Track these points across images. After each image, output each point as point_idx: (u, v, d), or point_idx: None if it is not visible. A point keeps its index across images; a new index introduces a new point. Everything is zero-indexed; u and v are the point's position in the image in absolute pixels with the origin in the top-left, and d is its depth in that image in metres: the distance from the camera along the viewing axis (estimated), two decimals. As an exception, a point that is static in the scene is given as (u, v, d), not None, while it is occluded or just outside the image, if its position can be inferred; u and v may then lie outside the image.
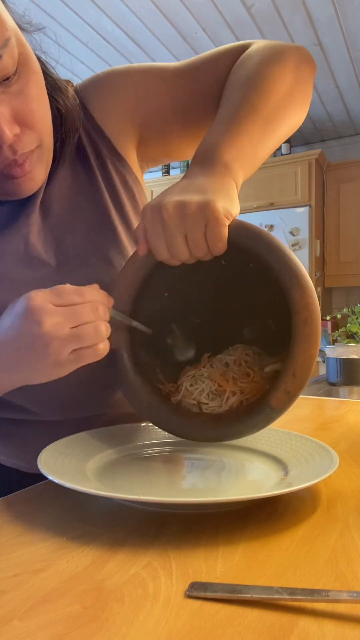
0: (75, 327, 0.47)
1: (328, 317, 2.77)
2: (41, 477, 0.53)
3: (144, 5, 2.65)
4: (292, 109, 0.62)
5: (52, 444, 0.56)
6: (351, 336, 2.12)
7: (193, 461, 0.59)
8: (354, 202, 3.89)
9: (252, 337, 0.63)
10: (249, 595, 0.31)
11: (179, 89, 0.67)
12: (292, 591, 0.31)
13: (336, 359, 1.53)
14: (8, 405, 0.63)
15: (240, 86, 0.60)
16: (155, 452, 0.62)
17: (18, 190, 0.57)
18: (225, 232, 0.48)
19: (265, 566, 0.36)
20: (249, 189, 3.84)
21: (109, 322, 0.51)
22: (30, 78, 0.53)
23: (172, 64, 0.69)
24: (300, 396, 0.51)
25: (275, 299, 0.52)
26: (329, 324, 3.71)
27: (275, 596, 0.31)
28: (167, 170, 4.51)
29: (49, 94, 0.58)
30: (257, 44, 0.66)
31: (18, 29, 0.52)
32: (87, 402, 0.66)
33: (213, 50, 0.69)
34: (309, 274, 3.36)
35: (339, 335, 2.09)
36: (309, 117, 3.86)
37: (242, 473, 0.56)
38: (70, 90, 0.64)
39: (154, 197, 0.53)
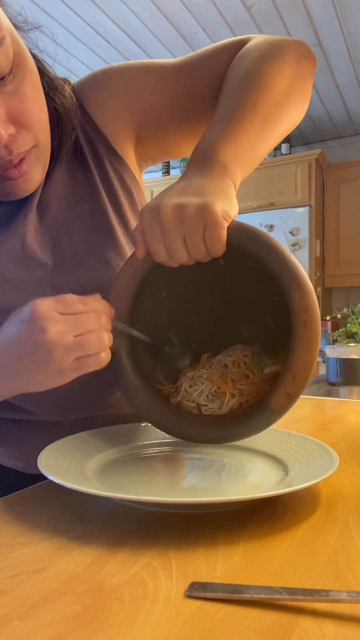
0: (78, 335, 0.47)
1: (328, 317, 2.77)
2: (40, 478, 0.53)
3: (144, 5, 2.65)
4: (291, 105, 0.61)
5: (52, 444, 0.56)
6: (351, 336, 2.12)
7: (193, 461, 0.59)
8: (354, 202, 3.89)
9: (251, 336, 0.63)
10: (249, 595, 0.31)
11: (177, 86, 0.67)
12: (292, 591, 0.31)
13: (336, 359, 1.53)
14: (7, 405, 0.63)
15: (238, 83, 0.60)
16: (155, 452, 0.62)
17: (15, 191, 0.57)
18: (224, 234, 0.48)
19: (265, 566, 0.36)
20: (249, 189, 3.84)
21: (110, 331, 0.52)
22: (26, 77, 0.52)
23: (170, 60, 0.68)
24: (300, 396, 0.51)
25: (274, 298, 0.52)
26: (329, 324, 3.71)
27: (275, 596, 0.31)
28: (167, 171, 4.51)
29: (45, 93, 0.58)
30: (256, 39, 0.65)
31: (13, 28, 0.52)
32: (87, 403, 0.66)
33: (211, 45, 0.68)
34: (309, 274, 3.35)
35: (339, 335, 2.09)
36: (309, 117, 3.86)
37: (242, 473, 0.56)
38: (68, 89, 0.64)
39: (153, 197, 0.53)
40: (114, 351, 0.55)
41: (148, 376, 0.59)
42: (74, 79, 0.69)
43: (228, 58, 0.65)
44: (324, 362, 1.62)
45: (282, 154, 3.97)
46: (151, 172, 4.74)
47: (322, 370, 1.72)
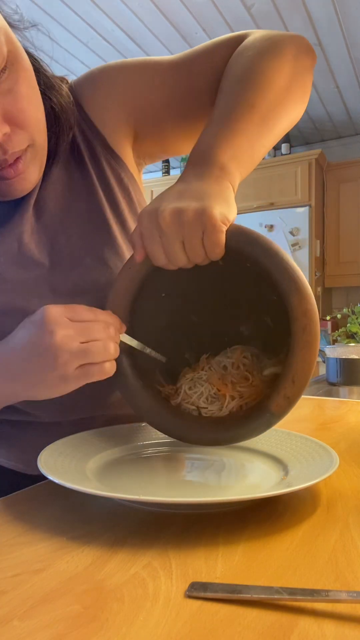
0: (85, 342, 0.48)
1: (328, 317, 2.77)
2: (40, 479, 0.53)
3: (144, 5, 2.65)
4: (290, 103, 0.60)
5: (52, 444, 0.56)
6: (351, 336, 2.12)
7: (193, 461, 0.59)
8: (354, 202, 3.88)
9: (250, 334, 0.64)
10: (249, 595, 0.31)
11: (174, 83, 0.66)
12: (292, 591, 0.31)
13: (336, 359, 1.52)
14: (7, 407, 0.63)
15: (236, 82, 0.59)
16: (155, 452, 0.62)
17: (11, 191, 0.57)
18: (223, 238, 0.48)
19: (265, 566, 0.36)
20: (249, 189, 3.84)
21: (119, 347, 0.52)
22: (20, 76, 0.52)
23: (168, 57, 0.68)
24: (299, 399, 0.51)
25: (272, 297, 0.52)
26: (329, 324, 3.71)
27: (275, 596, 0.31)
28: (167, 171, 4.51)
29: (42, 92, 0.58)
30: (254, 35, 0.64)
31: (7, 27, 0.52)
32: (86, 404, 0.66)
33: (209, 41, 0.67)
34: (309, 274, 3.35)
35: (339, 335, 2.09)
36: (309, 117, 3.86)
37: (242, 473, 0.56)
38: (65, 88, 0.64)
39: (153, 197, 0.53)
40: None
41: (148, 378, 0.59)
42: (73, 79, 0.69)
43: (226, 54, 0.64)
44: (324, 362, 1.62)
45: (282, 154, 3.97)
46: (151, 172, 4.74)
47: (322, 370, 1.72)
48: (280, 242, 3.64)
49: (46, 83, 0.61)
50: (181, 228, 0.47)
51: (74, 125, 0.64)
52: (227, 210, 0.49)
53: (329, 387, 1.54)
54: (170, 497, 0.43)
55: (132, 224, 0.67)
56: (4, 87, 0.51)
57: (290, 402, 0.50)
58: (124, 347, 0.55)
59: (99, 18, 2.76)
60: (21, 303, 0.58)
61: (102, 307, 0.54)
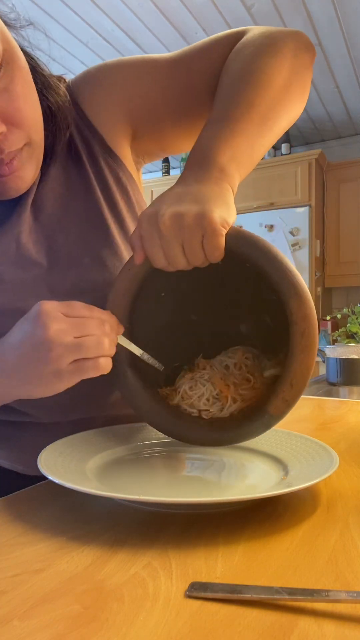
0: (79, 337, 0.47)
1: (328, 317, 2.77)
2: (40, 479, 0.53)
3: (144, 5, 2.65)
4: (290, 101, 0.60)
5: (52, 444, 0.56)
6: (351, 336, 2.12)
7: (193, 461, 0.59)
8: (354, 202, 3.88)
9: (250, 333, 0.64)
10: (249, 595, 0.31)
11: (172, 81, 0.66)
12: (292, 591, 0.31)
13: (336, 359, 1.52)
14: (5, 407, 0.63)
15: (234, 80, 0.59)
16: (155, 452, 0.62)
17: (7, 190, 0.57)
18: (223, 241, 0.48)
19: (265, 566, 0.36)
20: (249, 189, 3.84)
21: (116, 349, 0.52)
22: (16, 75, 0.52)
23: (165, 55, 0.67)
24: (298, 401, 0.51)
25: (272, 297, 0.52)
26: (329, 324, 3.71)
27: (275, 596, 0.31)
28: (167, 171, 4.50)
29: (39, 91, 0.58)
30: (253, 32, 0.63)
31: (3, 25, 0.51)
32: (85, 404, 0.66)
33: (207, 38, 0.66)
34: (309, 274, 3.35)
35: (339, 335, 2.09)
36: (309, 117, 3.86)
37: (242, 473, 0.56)
38: (62, 87, 0.63)
39: (153, 197, 0.53)
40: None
41: (147, 378, 0.59)
42: (71, 78, 0.69)
43: (224, 51, 0.64)
44: (324, 362, 1.62)
45: (282, 154, 3.97)
46: (151, 172, 4.74)
47: (322, 370, 1.72)
48: (280, 242, 3.64)
49: (43, 82, 0.60)
50: (181, 232, 0.47)
51: (71, 124, 0.64)
52: (226, 214, 0.49)
53: (329, 387, 1.54)
54: (170, 497, 0.43)
55: (130, 224, 0.67)
56: None
57: (288, 404, 0.50)
58: (123, 348, 0.55)
59: (98, 18, 2.76)
60: (19, 303, 0.58)
61: (101, 307, 0.54)
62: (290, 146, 4.05)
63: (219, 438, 0.55)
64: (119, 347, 0.54)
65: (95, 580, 0.34)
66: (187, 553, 0.38)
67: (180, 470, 0.57)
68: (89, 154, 0.66)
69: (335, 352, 1.54)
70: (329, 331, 3.69)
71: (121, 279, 0.55)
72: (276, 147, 4.01)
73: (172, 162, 4.59)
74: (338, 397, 1.37)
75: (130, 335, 0.57)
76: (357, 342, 2.05)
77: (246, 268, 0.51)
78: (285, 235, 3.69)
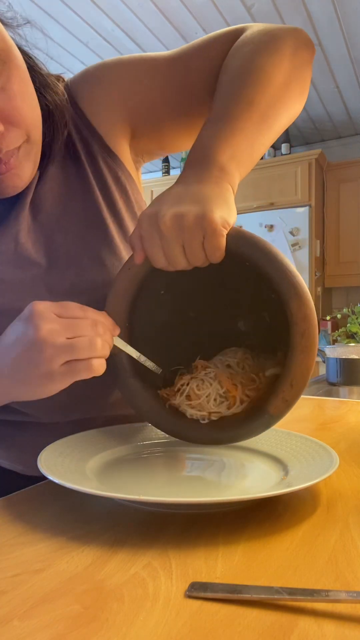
0: (71, 338, 0.47)
1: (328, 317, 2.77)
2: (39, 479, 0.53)
3: (143, 5, 2.65)
4: (289, 99, 0.59)
5: (51, 444, 0.56)
6: (351, 336, 2.12)
7: (193, 461, 0.59)
8: (354, 202, 3.88)
9: (247, 330, 0.64)
10: (249, 595, 0.31)
11: (171, 79, 0.65)
12: (292, 591, 0.31)
13: (336, 359, 1.52)
14: (5, 407, 0.63)
15: (234, 78, 0.58)
16: (155, 452, 0.62)
17: (4, 188, 0.56)
18: (223, 242, 0.48)
19: (265, 566, 0.36)
20: (249, 189, 3.84)
21: (112, 350, 0.52)
22: (13, 74, 0.52)
23: (164, 53, 0.67)
24: (297, 401, 0.51)
25: (271, 295, 0.52)
26: (329, 324, 3.71)
27: (275, 596, 0.31)
28: (167, 170, 4.50)
29: (36, 90, 0.57)
30: (252, 29, 0.63)
31: (0, 24, 0.52)
32: (85, 404, 0.66)
33: (205, 36, 0.66)
34: (309, 274, 3.34)
35: (339, 335, 2.09)
36: (309, 117, 3.86)
37: (242, 473, 0.56)
38: (60, 86, 0.63)
39: (153, 197, 0.53)
40: (114, 353, 0.55)
41: (147, 378, 0.59)
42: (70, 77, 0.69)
43: (223, 49, 0.63)
44: (324, 362, 1.62)
45: (282, 154, 3.96)
46: (151, 172, 4.74)
47: (322, 370, 1.72)
48: (280, 242, 3.64)
49: (41, 81, 0.60)
50: (182, 232, 0.47)
51: (69, 123, 0.64)
52: (227, 214, 0.49)
53: (329, 387, 1.54)
54: (170, 497, 0.43)
55: (129, 223, 0.67)
56: None
57: (288, 404, 0.50)
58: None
59: (98, 18, 2.76)
60: (18, 303, 0.58)
61: (100, 307, 0.54)
62: (290, 146, 4.05)
63: (218, 437, 0.56)
64: (117, 349, 0.54)
65: (95, 580, 0.34)
66: (187, 553, 0.38)
67: (180, 470, 0.57)
68: (88, 154, 0.66)
69: (335, 352, 1.54)
70: (329, 331, 3.69)
71: (121, 278, 0.55)
72: (276, 147, 4.01)
73: (172, 162, 4.59)
74: (338, 397, 1.37)
75: (129, 335, 0.57)
76: (357, 342, 2.05)
77: (246, 267, 0.51)
78: (285, 235, 3.69)
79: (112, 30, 2.89)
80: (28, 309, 0.48)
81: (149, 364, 0.57)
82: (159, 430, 0.65)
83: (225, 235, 0.48)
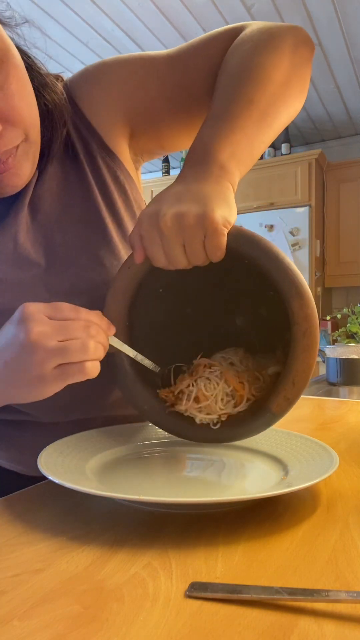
0: (63, 341, 0.46)
1: (328, 317, 2.77)
2: (39, 480, 0.53)
3: (144, 5, 2.65)
4: (289, 97, 0.59)
5: (52, 444, 0.56)
6: (351, 336, 2.12)
7: (193, 461, 0.59)
8: (354, 202, 3.88)
9: (245, 326, 0.64)
10: (249, 595, 0.31)
11: (170, 78, 0.65)
12: (292, 591, 0.31)
13: (336, 359, 1.53)
14: (5, 407, 0.63)
15: (233, 77, 0.58)
16: (155, 452, 0.62)
17: (3, 187, 0.56)
18: (224, 241, 0.48)
19: (265, 566, 0.36)
20: (249, 189, 3.84)
21: (110, 350, 0.51)
22: (11, 73, 0.52)
23: (163, 52, 0.67)
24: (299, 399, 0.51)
25: (269, 292, 0.52)
26: (329, 324, 3.71)
27: (275, 596, 0.31)
28: (167, 170, 4.50)
29: (35, 89, 0.57)
30: (251, 27, 0.63)
31: None
32: (84, 405, 0.66)
33: (204, 35, 0.66)
34: (309, 274, 3.34)
35: (339, 335, 2.09)
36: (308, 117, 3.86)
37: (242, 473, 0.56)
38: (59, 86, 0.63)
39: (153, 197, 0.53)
40: (113, 353, 0.55)
41: (148, 377, 0.59)
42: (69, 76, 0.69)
43: (222, 47, 0.63)
44: (324, 362, 1.62)
45: (282, 154, 3.96)
46: (151, 172, 4.74)
47: (322, 370, 1.72)
48: (280, 242, 3.64)
49: (40, 80, 0.60)
50: (182, 231, 0.47)
51: (68, 122, 0.64)
52: (228, 213, 0.49)
53: (329, 387, 1.54)
54: (170, 497, 0.43)
55: (128, 223, 0.66)
56: None
57: (290, 402, 0.50)
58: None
59: (98, 18, 2.76)
60: (18, 303, 0.57)
61: (99, 306, 0.54)
62: (290, 146, 4.05)
63: (219, 436, 0.55)
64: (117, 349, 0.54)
65: (95, 580, 0.34)
66: (187, 553, 0.38)
67: (180, 470, 0.57)
68: (87, 153, 0.66)
69: (335, 352, 1.54)
70: (329, 331, 3.69)
71: (120, 277, 0.55)
72: (276, 147, 4.01)
73: (172, 162, 4.59)
74: (338, 397, 1.37)
75: (128, 334, 0.57)
76: (357, 342, 2.05)
77: (246, 266, 0.51)
78: (285, 235, 3.69)
79: (112, 30, 2.89)
80: (19, 311, 0.47)
81: (147, 362, 0.56)
82: (159, 430, 0.65)
83: (226, 235, 0.48)
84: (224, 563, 0.37)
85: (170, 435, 0.60)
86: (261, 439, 0.62)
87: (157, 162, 4.54)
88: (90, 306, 0.51)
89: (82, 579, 0.35)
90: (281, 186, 3.83)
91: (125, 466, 0.56)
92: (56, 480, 0.44)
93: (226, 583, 0.33)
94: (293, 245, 3.68)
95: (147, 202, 0.58)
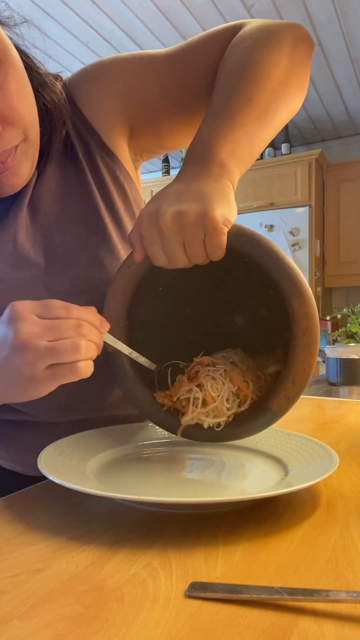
0: (53, 340, 0.45)
1: (328, 317, 2.77)
2: (39, 479, 0.53)
3: (143, 5, 2.65)
4: (288, 95, 0.59)
5: (52, 444, 0.56)
6: (351, 336, 2.12)
7: (193, 461, 0.59)
8: (354, 202, 3.88)
9: (245, 325, 0.64)
10: (249, 595, 0.31)
11: (169, 76, 0.65)
12: (292, 591, 0.31)
13: (336, 359, 1.53)
14: (5, 407, 0.63)
15: (232, 75, 0.58)
16: (155, 452, 0.62)
17: (2, 187, 0.56)
18: (224, 240, 0.48)
19: (265, 566, 0.36)
20: (249, 189, 3.84)
21: (109, 349, 0.50)
22: (9, 73, 0.52)
23: (162, 50, 0.67)
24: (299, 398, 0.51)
25: (269, 291, 0.52)
26: (329, 324, 3.71)
27: (275, 596, 0.31)
28: (167, 170, 4.50)
29: (34, 89, 0.57)
30: (250, 25, 0.63)
31: None
32: (84, 404, 0.66)
33: (203, 33, 0.66)
34: (309, 274, 3.34)
35: (339, 335, 2.09)
36: (308, 117, 3.86)
37: (242, 473, 0.56)
38: (58, 85, 0.63)
39: (153, 196, 0.52)
40: (113, 352, 0.55)
41: (148, 377, 0.59)
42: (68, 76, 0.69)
43: (221, 45, 0.63)
44: (324, 362, 1.62)
45: (282, 154, 3.96)
46: (151, 172, 4.73)
47: (322, 370, 1.72)
48: (280, 242, 3.63)
49: (39, 80, 0.60)
50: (182, 230, 0.47)
51: (67, 122, 0.64)
52: (228, 212, 0.49)
53: (329, 387, 1.54)
54: (170, 497, 0.43)
55: (127, 222, 0.66)
56: None
57: (290, 402, 0.50)
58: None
59: (98, 18, 2.76)
60: None
61: (99, 306, 0.54)
62: (290, 146, 4.05)
63: (220, 435, 0.55)
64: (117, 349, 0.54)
65: (95, 580, 0.34)
66: (187, 553, 0.38)
67: (180, 471, 0.57)
68: (86, 153, 0.66)
69: (335, 352, 1.54)
70: (329, 331, 3.69)
71: (120, 276, 0.55)
72: (276, 147, 4.01)
73: (172, 162, 4.59)
74: (338, 397, 1.37)
75: (128, 333, 0.57)
76: (357, 342, 2.05)
77: (246, 265, 0.51)
78: (285, 235, 3.69)
79: (112, 30, 2.89)
80: (8, 311, 0.46)
81: (142, 360, 0.56)
82: (159, 430, 0.65)
83: (226, 233, 0.48)
84: (224, 563, 0.37)
85: (170, 435, 0.60)
86: (261, 439, 0.62)
87: (157, 162, 4.54)
88: (90, 305, 0.51)
89: (82, 579, 0.35)
90: (281, 186, 3.83)
91: (125, 466, 0.56)
92: (56, 480, 0.44)
93: (226, 583, 0.33)
94: (293, 245, 3.68)
95: (147, 202, 0.58)
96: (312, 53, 0.63)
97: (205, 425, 0.55)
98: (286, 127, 3.99)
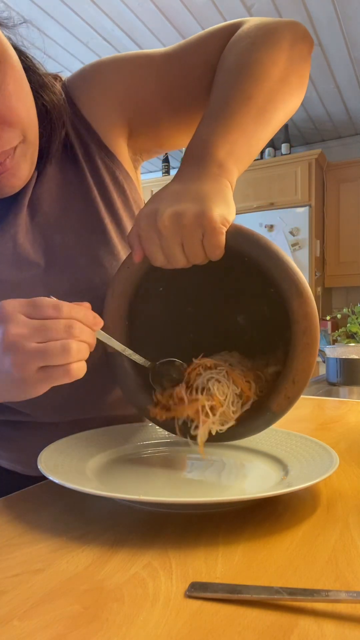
0: (42, 342, 0.43)
1: (328, 317, 2.77)
2: (39, 479, 0.53)
3: (143, 5, 2.65)
4: (287, 94, 0.59)
5: (52, 444, 0.56)
6: (351, 336, 2.12)
7: (193, 461, 0.59)
8: (354, 202, 3.88)
9: (246, 324, 0.64)
10: (249, 595, 0.31)
11: (167, 75, 0.65)
12: (292, 591, 0.31)
13: (336, 359, 1.53)
14: (4, 407, 0.63)
15: (230, 74, 0.58)
16: (155, 452, 0.62)
17: (1, 188, 0.56)
18: (223, 240, 0.48)
19: (265, 566, 0.36)
20: (249, 189, 3.84)
21: (108, 350, 0.49)
22: (7, 74, 0.52)
23: (160, 50, 0.67)
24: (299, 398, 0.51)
25: (269, 289, 0.52)
26: (329, 324, 3.71)
27: (275, 596, 0.31)
28: (167, 170, 4.50)
29: (33, 90, 0.57)
30: (248, 23, 0.62)
31: None
32: (83, 404, 0.65)
33: (202, 32, 0.66)
34: (309, 274, 3.34)
35: (339, 335, 2.09)
36: (308, 117, 3.86)
37: (242, 473, 0.56)
38: (57, 86, 0.63)
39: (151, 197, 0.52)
40: (113, 352, 0.55)
41: (148, 377, 0.59)
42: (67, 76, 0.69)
43: (219, 44, 0.63)
44: (324, 362, 1.62)
45: (282, 154, 3.96)
46: (151, 172, 4.73)
47: (322, 370, 1.72)
48: (280, 242, 3.63)
49: (38, 81, 0.60)
50: (181, 231, 0.47)
51: (67, 122, 0.64)
52: (226, 212, 0.49)
53: (329, 387, 1.54)
54: (170, 497, 0.43)
55: (127, 223, 0.66)
56: None
57: (290, 401, 0.50)
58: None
59: (98, 18, 2.76)
60: None
61: (98, 307, 0.53)
62: (290, 146, 4.05)
63: (219, 435, 0.55)
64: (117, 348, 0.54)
65: (95, 580, 0.34)
66: (187, 553, 0.38)
67: (180, 471, 0.57)
68: (85, 153, 0.66)
69: (335, 352, 1.54)
70: (329, 331, 3.69)
71: (119, 277, 0.55)
72: (276, 147, 4.01)
73: (172, 162, 4.59)
74: (338, 397, 1.37)
75: (128, 333, 0.57)
76: (357, 342, 2.05)
77: (246, 265, 0.51)
78: (285, 235, 3.69)
79: (112, 30, 2.89)
80: None
81: (136, 357, 0.56)
82: (158, 430, 0.65)
83: (224, 233, 0.48)
84: (224, 563, 0.37)
85: (170, 435, 0.60)
86: (261, 439, 0.62)
87: (157, 162, 4.54)
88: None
89: (82, 579, 0.35)
90: (281, 186, 3.83)
91: (125, 466, 0.56)
92: (56, 480, 0.44)
93: (226, 583, 0.33)
94: (293, 245, 3.68)
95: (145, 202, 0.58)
96: (311, 51, 0.63)
97: (213, 432, 0.54)
98: (286, 127, 3.99)
